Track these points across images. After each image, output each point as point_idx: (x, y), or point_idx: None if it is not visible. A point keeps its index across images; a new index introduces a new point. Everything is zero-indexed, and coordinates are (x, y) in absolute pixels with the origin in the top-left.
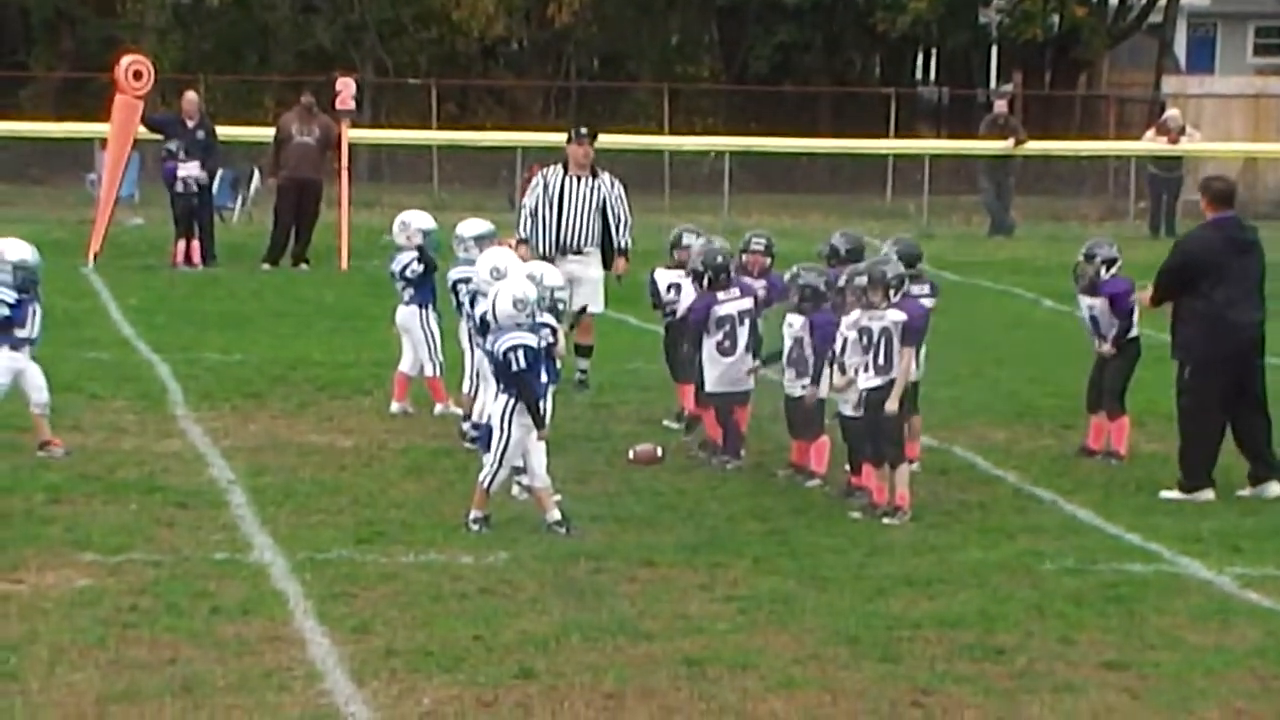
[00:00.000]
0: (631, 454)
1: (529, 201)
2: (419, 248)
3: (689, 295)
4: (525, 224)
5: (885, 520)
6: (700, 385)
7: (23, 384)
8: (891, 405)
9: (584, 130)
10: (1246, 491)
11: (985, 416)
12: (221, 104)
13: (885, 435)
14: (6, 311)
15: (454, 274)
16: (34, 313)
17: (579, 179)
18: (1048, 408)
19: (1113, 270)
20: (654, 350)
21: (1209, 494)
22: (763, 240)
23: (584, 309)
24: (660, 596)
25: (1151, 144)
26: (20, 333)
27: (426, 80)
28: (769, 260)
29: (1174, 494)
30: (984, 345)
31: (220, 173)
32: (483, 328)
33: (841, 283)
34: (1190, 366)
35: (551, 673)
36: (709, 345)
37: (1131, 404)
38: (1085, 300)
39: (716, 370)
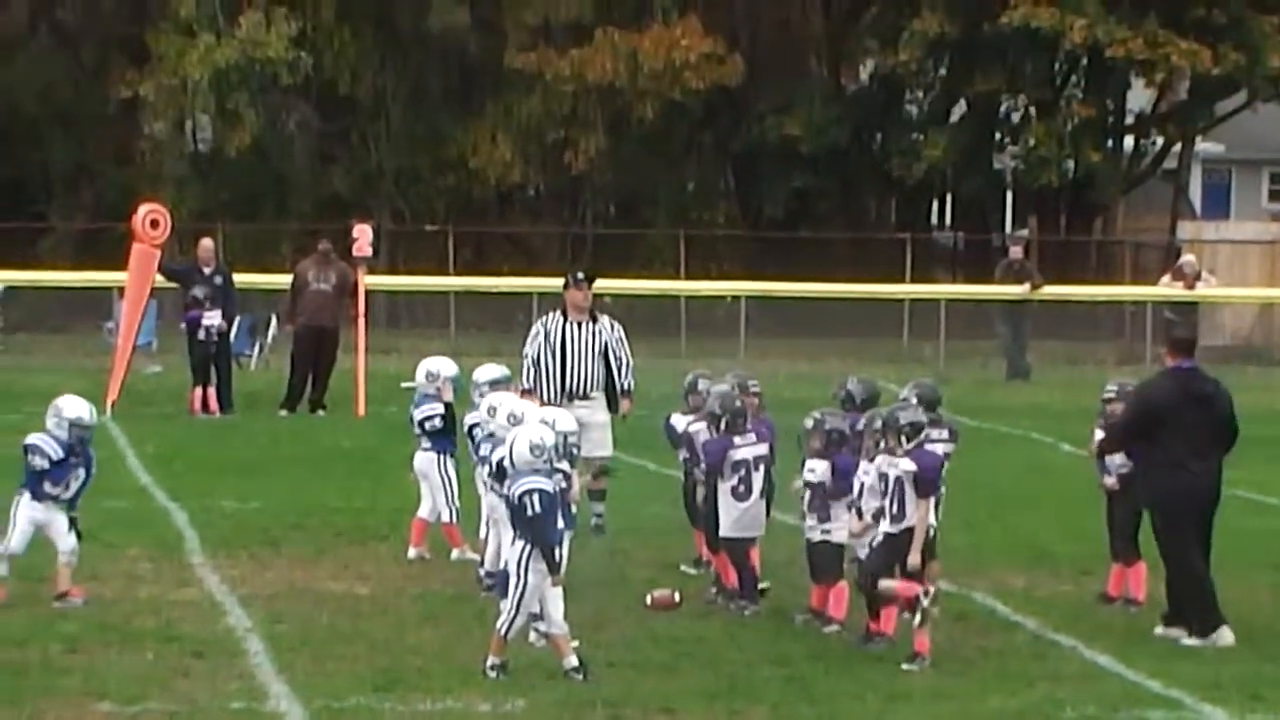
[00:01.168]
0: (649, 599)
1: (530, 351)
2: (447, 405)
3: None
4: (529, 374)
5: (904, 666)
6: (714, 529)
7: (49, 534)
8: (913, 559)
9: (581, 275)
10: (1159, 630)
11: (1004, 562)
12: (239, 252)
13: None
14: (46, 465)
15: (469, 419)
16: (76, 477)
17: (579, 324)
18: (1066, 553)
19: None
20: (671, 495)
21: (1227, 633)
22: (757, 383)
23: (606, 469)
24: None
25: (1168, 289)
26: (51, 489)
27: (443, 227)
28: (758, 402)
29: (1193, 641)
30: (1002, 490)
31: (238, 320)
32: (499, 473)
33: (861, 426)
34: (1159, 516)
35: None
36: (724, 489)
37: (1148, 549)
38: (1100, 435)
39: (732, 515)
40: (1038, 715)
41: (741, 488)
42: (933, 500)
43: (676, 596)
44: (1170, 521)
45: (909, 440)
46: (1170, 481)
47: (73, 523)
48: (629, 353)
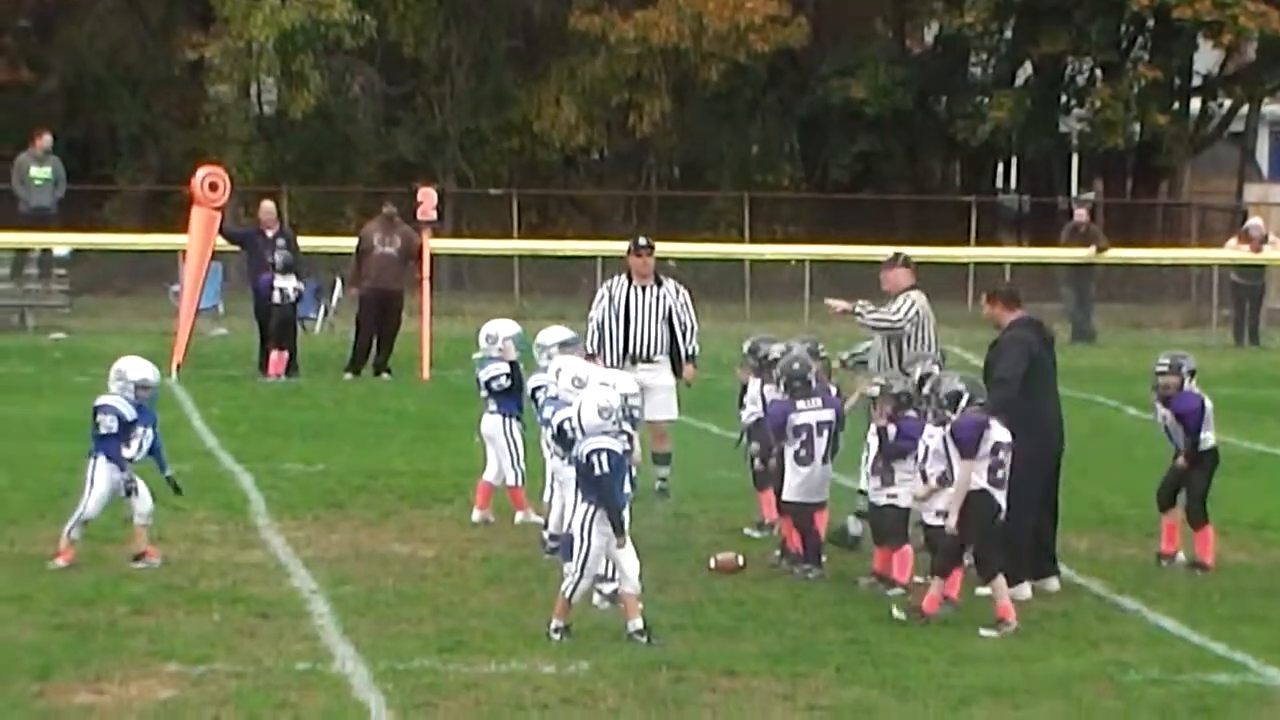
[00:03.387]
0: (713, 562)
1: (595, 315)
2: (512, 363)
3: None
4: (593, 337)
5: (983, 632)
6: (779, 492)
7: (129, 497)
8: (950, 522)
9: (643, 242)
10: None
11: (1068, 525)
12: (305, 215)
13: (949, 549)
14: (115, 427)
15: (533, 381)
16: (146, 436)
17: (644, 289)
18: (1131, 516)
19: (1192, 383)
20: (735, 459)
21: (1027, 589)
22: (823, 347)
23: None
24: (742, 706)
25: (1234, 252)
26: (126, 452)
27: (508, 190)
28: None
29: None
30: (1066, 453)
31: (303, 283)
32: (560, 436)
33: (927, 389)
34: (1024, 462)
35: None
36: (787, 453)
37: (1214, 513)
38: (1160, 410)
39: (795, 479)
40: (1102, 677)
41: (803, 452)
42: (970, 463)
43: (740, 560)
44: (1036, 467)
45: (951, 409)
46: (1025, 431)
47: (171, 482)
48: (694, 318)
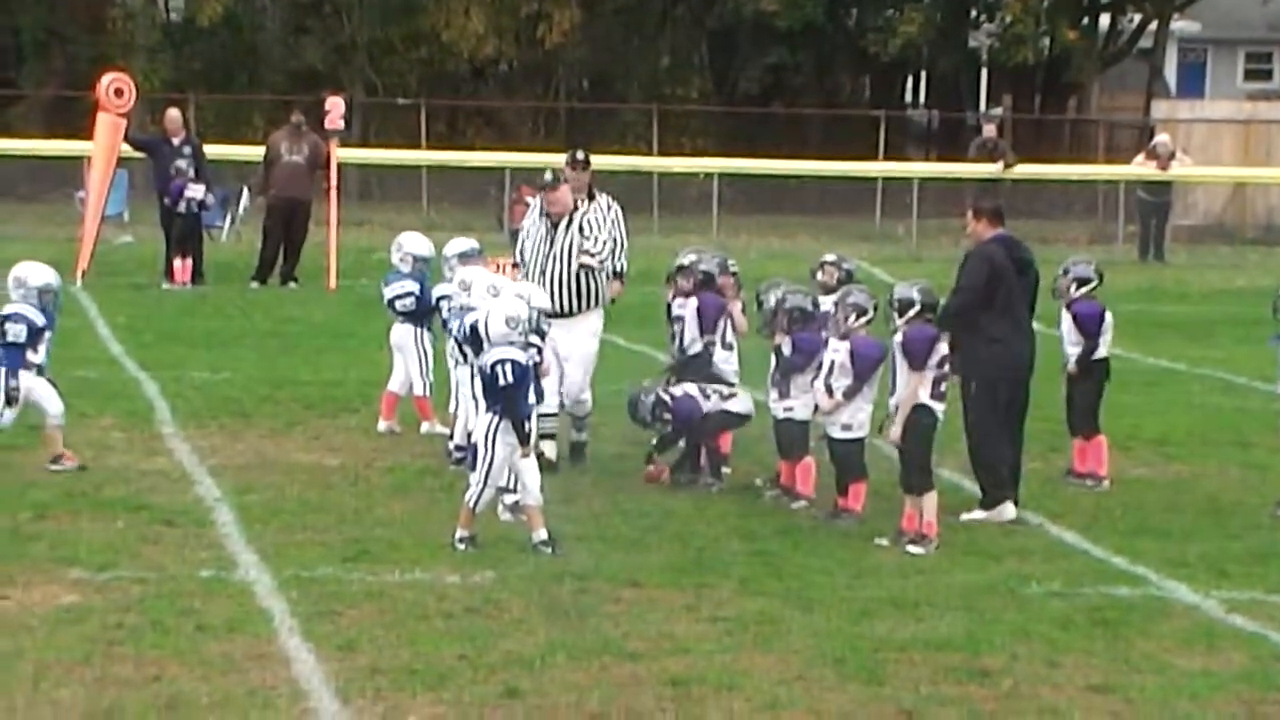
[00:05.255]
0: (645, 475)
1: (525, 224)
2: (421, 288)
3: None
4: (521, 246)
5: (910, 548)
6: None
7: (35, 400)
8: (893, 433)
9: (579, 156)
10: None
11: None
12: (212, 123)
13: (909, 462)
14: (24, 336)
15: (439, 290)
16: (49, 339)
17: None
18: (1034, 431)
19: (1085, 290)
20: (642, 372)
21: (1010, 509)
22: (735, 263)
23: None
24: (646, 617)
25: (1141, 168)
26: (33, 357)
27: (416, 100)
28: (734, 281)
29: (976, 514)
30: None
31: (210, 192)
32: (474, 340)
33: (829, 304)
34: (975, 383)
35: (537, 692)
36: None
37: (1116, 428)
38: (1064, 315)
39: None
40: (1004, 590)
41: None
42: (920, 375)
43: (665, 476)
44: (986, 390)
45: (900, 315)
46: (992, 349)
47: (54, 386)
48: (624, 234)
